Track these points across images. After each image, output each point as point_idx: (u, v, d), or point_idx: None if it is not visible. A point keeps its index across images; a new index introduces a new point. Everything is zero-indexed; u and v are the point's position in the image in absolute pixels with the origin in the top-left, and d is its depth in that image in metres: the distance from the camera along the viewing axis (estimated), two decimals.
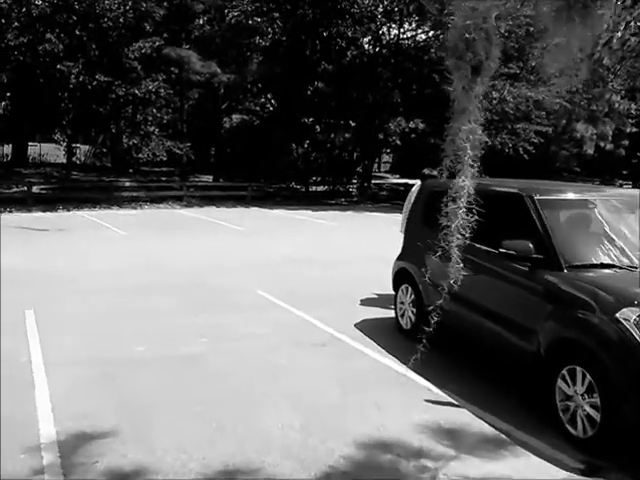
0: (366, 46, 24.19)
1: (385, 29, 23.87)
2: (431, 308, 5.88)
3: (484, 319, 5.21)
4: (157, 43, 19.64)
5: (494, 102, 19.61)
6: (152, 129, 20.75)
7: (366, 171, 26.59)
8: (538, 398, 4.69)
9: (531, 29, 19.45)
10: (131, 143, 20.40)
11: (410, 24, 22.97)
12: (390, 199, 27.07)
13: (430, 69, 20.50)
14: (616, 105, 28.32)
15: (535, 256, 4.57)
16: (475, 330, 5.43)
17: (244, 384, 5.04)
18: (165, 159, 22.13)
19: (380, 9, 23.55)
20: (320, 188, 27.73)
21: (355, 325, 6.89)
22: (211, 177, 28.15)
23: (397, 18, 22.69)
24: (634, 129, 29.23)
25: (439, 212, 6.61)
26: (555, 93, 20.95)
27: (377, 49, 24.10)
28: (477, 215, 5.66)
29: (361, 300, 8.07)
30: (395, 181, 34.27)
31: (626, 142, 29.38)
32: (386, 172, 47.09)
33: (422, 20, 21.56)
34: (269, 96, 26.35)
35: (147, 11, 19.45)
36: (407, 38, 23.66)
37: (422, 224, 6.41)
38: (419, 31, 22.99)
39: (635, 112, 29.06)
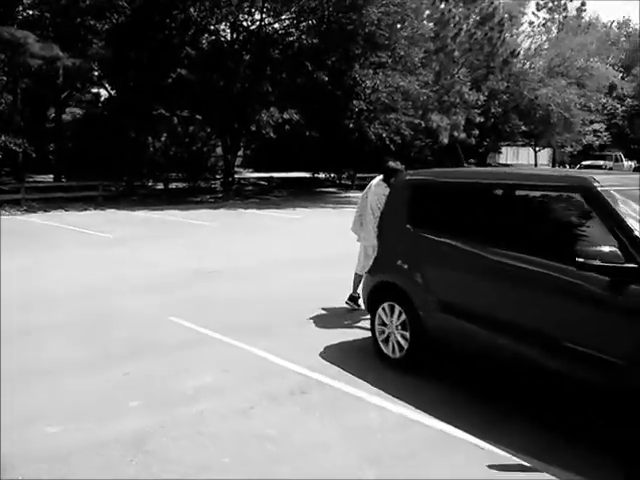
0: (227, 31, 22.44)
1: (244, 15, 22.25)
2: (437, 331, 4.75)
3: (529, 346, 4.14)
4: None
5: (367, 91, 19.08)
6: None
7: (228, 166, 24.91)
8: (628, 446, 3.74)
9: (400, 17, 19.18)
10: None
11: (273, 9, 21.57)
12: (256, 194, 25.69)
13: (300, 57, 19.45)
14: (466, 96, 29.48)
15: (627, 266, 3.55)
16: (515, 360, 4.34)
17: None
18: None
19: None
20: (178, 185, 25.56)
21: (322, 356, 5.55)
22: (51, 177, 24.70)
23: (260, 2, 21.19)
24: (482, 119, 30.67)
25: (441, 210, 5.56)
26: (423, 83, 20.97)
27: (237, 35, 22.43)
28: (509, 214, 4.66)
29: (307, 320, 6.72)
30: (254, 175, 32.90)
31: (476, 132, 30.73)
32: (238, 166, 45.50)
33: (287, 4, 20.30)
34: (117, 84, 23.53)
35: None
36: (269, 24, 22.27)
37: (411, 226, 5.22)
38: (283, 17, 21.71)
39: (481, 103, 30.52)
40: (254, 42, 21.50)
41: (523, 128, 35.08)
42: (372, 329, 5.54)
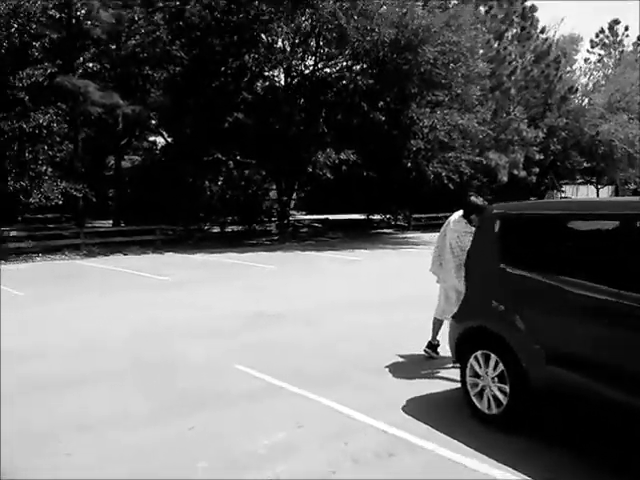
0: (281, 77, 22.65)
1: (298, 60, 22.43)
2: (544, 385, 4.08)
3: None
4: (49, 70, 16.84)
5: (425, 130, 18.70)
6: (44, 169, 17.67)
7: (283, 208, 24.80)
8: None
9: (455, 56, 18.86)
10: (18, 186, 17.14)
11: (326, 54, 21.65)
12: (312, 236, 25.43)
13: (355, 98, 19.30)
14: (524, 133, 28.79)
15: None
16: None
17: None
18: (60, 203, 18.97)
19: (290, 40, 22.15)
20: (234, 228, 25.59)
21: (405, 411, 4.96)
22: (110, 222, 25.12)
23: (313, 48, 21.32)
24: (541, 156, 29.81)
25: (543, 245, 4.98)
26: (481, 121, 20.47)
27: (291, 80, 22.59)
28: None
29: (382, 368, 6.15)
30: (308, 217, 32.76)
31: (536, 169, 29.83)
32: (291, 209, 45.69)
33: (341, 47, 20.29)
34: (174, 131, 23.95)
35: (36, 34, 16.68)
36: (323, 67, 22.34)
37: (506, 264, 4.64)
38: (337, 60, 21.72)
39: (540, 140, 29.73)
40: (308, 86, 21.54)
41: (585, 165, 33.93)
42: (462, 381, 4.92)
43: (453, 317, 5.26)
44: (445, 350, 6.23)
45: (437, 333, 6.51)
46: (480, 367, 4.72)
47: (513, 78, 27.19)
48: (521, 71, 28.16)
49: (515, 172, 28.33)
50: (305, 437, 4.45)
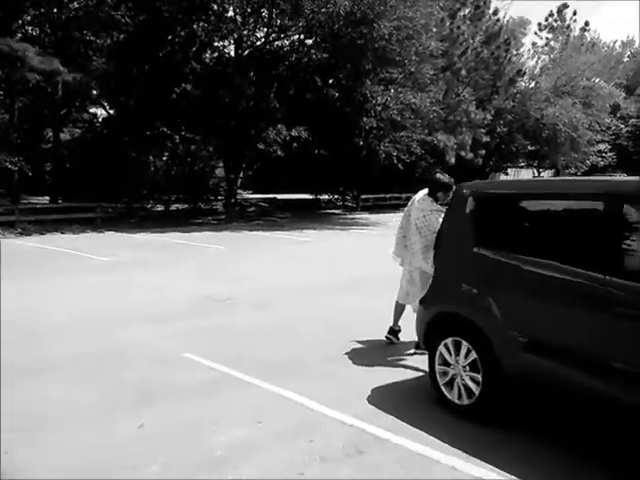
0: (231, 48, 21.79)
1: (249, 31, 21.61)
2: (519, 374, 3.86)
3: None
4: None
5: (378, 108, 18.36)
6: None
7: (231, 186, 24.12)
8: None
9: (410, 32, 18.56)
10: None
11: (279, 26, 20.91)
12: (259, 216, 24.88)
13: (308, 73, 18.75)
14: (472, 115, 28.93)
15: None
16: (630, 411, 3.48)
17: None
18: None
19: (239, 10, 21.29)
20: (179, 206, 24.72)
21: (370, 402, 4.68)
22: (47, 198, 23.86)
23: (266, 19, 20.56)
24: (488, 138, 30.07)
25: (521, 226, 4.72)
26: (434, 100, 20.30)
27: (242, 52, 21.78)
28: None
29: (342, 356, 5.85)
30: (255, 196, 32.12)
31: (483, 151, 30.10)
32: (238, 188, 44.77)
33: (295, 19, 19.60)
34: (117, 102, 22.79)
35: None
36: (276, 39, 21.60)
37: (480, 246, 4.38)
38: (290, 32, 21.03)
39: (487, 122, 29.97)
40: (259, 59, 20.82)
41: (530, 148, 34.51)
42: (431, 370, 4.67)
43: (421, 302, 4.98)
44: (407, 336, 5.99)
45: (399, 318, 6.26)
46: (450, 355, 4.47)
47: (464, 58, 27.18)
48: (472, 52, 28.17)
49: (463, 154, 28.48)
50: (266, 434, 4.10)
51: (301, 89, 19.25)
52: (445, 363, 4.53)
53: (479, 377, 4.24)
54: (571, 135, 31.70)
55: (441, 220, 5.55)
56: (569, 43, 37.01)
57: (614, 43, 47.96)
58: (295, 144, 18.68)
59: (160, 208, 23.99)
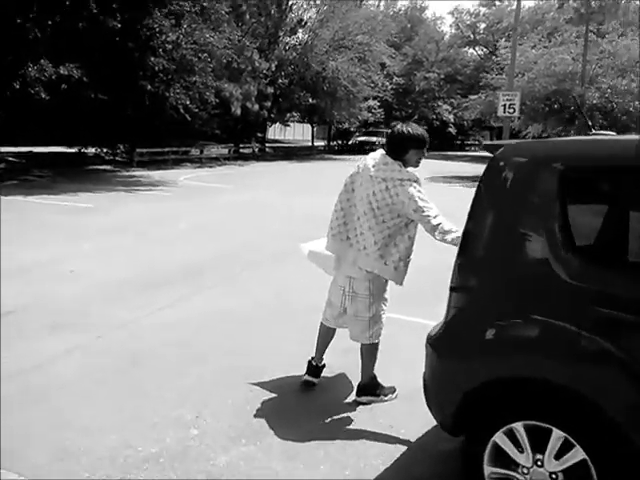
0: None
1: None
2: None
3: None
4: None
5: (168, 47, 15.32)
6: None
7: None
8: None
9: None
10: None
11: None
12: (11, 173, 19.97)
13: None
14: (257, 64, 27.08)
15: None
16: None
17: None
18: None
19: None
20: None
21: None
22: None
23: None
24: (272, 90, 28.58)
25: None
26: (228, 43, 17.80)
27: None
28: None
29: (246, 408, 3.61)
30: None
31: (268, 104, 28.49)
32: None
33: None
34: None
35: None
36: None
37: (576, 253, 2.50)
38: None
39: (271, 72, 28.42)
40: None
41: (310, 101, 33.88)
42: (470, 476, 2.73)
43: (433, 345, 2.95)
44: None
45: (324, 349, 4.18)
46: (522, 451, 2.58)
47: (249, 1, 24.94)
48: None
49: (249, 105, 26.56)
50: None
51: (71, 16, 15.09)
52: (506, 465, 2.63)
53: None
54: (351, 90, 31.74)
55: (419, 199, 3.58)
56: None
57: (379, 3, 49.49)
58: (65, 85, 14.75)
59: None
